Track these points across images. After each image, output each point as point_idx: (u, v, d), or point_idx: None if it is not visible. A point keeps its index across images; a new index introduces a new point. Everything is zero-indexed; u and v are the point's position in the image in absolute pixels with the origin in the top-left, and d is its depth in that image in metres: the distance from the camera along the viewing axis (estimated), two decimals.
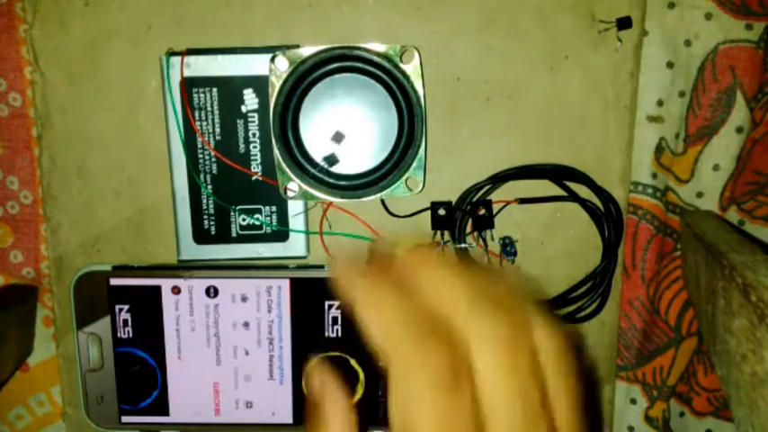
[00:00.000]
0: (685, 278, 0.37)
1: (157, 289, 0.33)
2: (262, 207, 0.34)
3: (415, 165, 0.33)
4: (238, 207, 0.34)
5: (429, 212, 0.35)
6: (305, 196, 0.33)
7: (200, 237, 0.34)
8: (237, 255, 0.33)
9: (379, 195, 0.33)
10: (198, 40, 0.33)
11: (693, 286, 0.34)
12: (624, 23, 0.34)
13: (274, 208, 0.34)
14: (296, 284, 0.32)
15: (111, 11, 0.33)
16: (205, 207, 0.34)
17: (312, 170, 0.32)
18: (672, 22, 0.35)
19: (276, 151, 0.32)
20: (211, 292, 0.32)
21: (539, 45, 0.34)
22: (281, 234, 0.34)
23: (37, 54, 0.34)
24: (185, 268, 0.32)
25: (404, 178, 0.33)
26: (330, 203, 0.34)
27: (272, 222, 0.34)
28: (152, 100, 0.34)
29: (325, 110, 0.32)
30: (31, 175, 0.36)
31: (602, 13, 0.34)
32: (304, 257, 0.34)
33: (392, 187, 0.33)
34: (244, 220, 0.34)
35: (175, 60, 0.32)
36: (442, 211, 0.35)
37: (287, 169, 0.32)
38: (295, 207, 0.34)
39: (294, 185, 0.32)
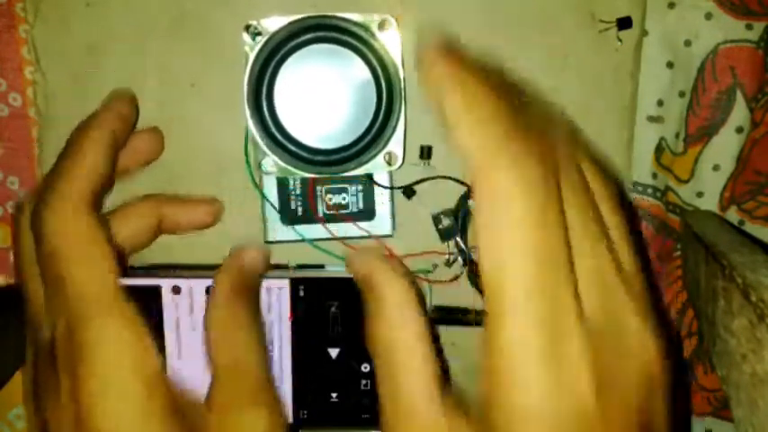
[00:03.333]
0: (685, 278, 0.37)
1: (157, 289, 0.33)
2: (348, 186, 0.34)
3: (394, 139, 0.33)
4: (324, 187, 0.34)
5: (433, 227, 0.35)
6: (282, 172, 0.33)
7: (289, 217, 0.34)
8: (325, 234, 0.34)
9: (357, 170, 0.33)
10: (198, 39, 0.33)
11: (693, 286, 0.34)
12: (624, 23, 0.34)
13: (360, 187, 0.34)
14: (296, 285, 0.32)
15: (113, 11, 0.33)
16: (291, 186, 0.34)
17: (286, 143, 0.32)
18: (672, 22, 0.35)
19: (251, 125, 0.32)
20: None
21: (538, 45, 0.34)
22: (367, 212, 0.34)
23: (38, 54, 0.34)
24: (186, 268, 0.32)
25: (383, 153, 0.33)
26: (314, 180, 0.34)
27: (357, 201, 0.34)
28: (152, 98, 0.34)
29: (301, 82, 0.32)
30: (31, 176, 0.36)
31: (603, 13, 0.34)
32: (390, 236, 0.34)
33: (371, 162, 0.33)
34: (330, 199, 0.34)
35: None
36: (446, 222, 0.34)
37: (261, 143, 0.32)
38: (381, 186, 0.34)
39: (269, 160, 0.32)
